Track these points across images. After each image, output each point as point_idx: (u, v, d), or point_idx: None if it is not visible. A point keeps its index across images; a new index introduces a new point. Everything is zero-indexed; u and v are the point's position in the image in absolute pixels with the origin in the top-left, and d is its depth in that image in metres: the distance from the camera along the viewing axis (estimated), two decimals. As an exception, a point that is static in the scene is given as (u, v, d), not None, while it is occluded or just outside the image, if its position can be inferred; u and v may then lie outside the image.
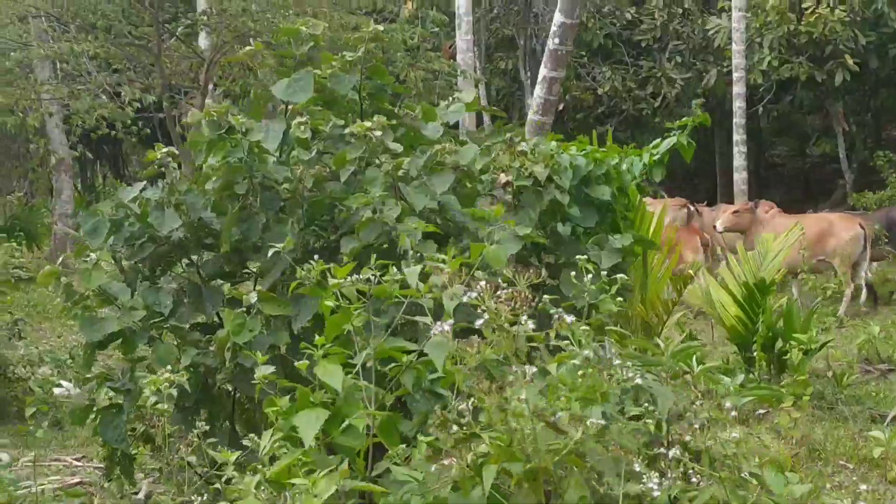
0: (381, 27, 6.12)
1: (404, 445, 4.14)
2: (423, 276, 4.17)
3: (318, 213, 5.59)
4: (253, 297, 5.18)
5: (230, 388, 5.76)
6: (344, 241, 5.30)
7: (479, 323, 3.84)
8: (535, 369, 3.69)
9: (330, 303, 4.22)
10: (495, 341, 3.80)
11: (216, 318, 6.02)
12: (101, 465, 6.61)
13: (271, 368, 4.44)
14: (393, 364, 4.31)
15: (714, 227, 15.16)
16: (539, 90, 12.71)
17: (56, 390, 10.73)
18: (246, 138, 5.54)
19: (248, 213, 5.68)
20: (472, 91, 6.13)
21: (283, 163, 5.77)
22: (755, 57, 22.76)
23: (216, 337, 5.43)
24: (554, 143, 5.80)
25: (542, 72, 12.64)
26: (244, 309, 5.27)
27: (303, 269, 4.57)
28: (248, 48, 6.20)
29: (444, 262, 4.21)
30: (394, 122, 5.97)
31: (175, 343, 5.83)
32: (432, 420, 3.75)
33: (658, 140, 6.66)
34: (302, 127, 5.73)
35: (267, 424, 4.25)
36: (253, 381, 4.52)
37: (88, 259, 5.66)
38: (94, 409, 6.16)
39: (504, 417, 3.57)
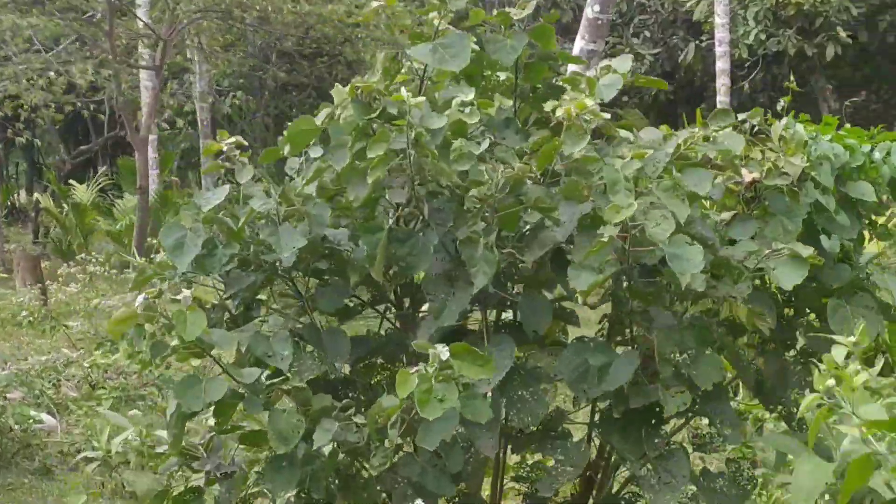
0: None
1: None
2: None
3: (509, 229, 4.00)
4: (444, 352, 3.58)
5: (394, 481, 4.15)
6: (574, 273, 3.73)
7: None
8: None
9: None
10: None
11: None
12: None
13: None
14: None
15: None
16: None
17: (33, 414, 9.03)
18: (409, 126, 3.92)
19: (406, 230, 4.08)
20: (626, 58, 4.36)
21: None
22: (740, 30, 21.51)
23: (378, 409, 3.83)
24: (802, 127, 4.28)
25: (579, 44, 11.07)
26: (420, 370, 3.67)
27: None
28: (375, 3, 4.53)
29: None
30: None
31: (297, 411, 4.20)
32: None
33: None
34: (468, 108, 4.12)
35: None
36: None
37: (183, 296, 4.01)
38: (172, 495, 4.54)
39: None
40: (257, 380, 4.11)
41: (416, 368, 3.68)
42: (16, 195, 31.22)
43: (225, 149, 4.52)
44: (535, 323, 4.01)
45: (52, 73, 16.10)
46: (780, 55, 21.94)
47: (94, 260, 11.76)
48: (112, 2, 15.55)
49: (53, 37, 16.41)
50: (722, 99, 20.68)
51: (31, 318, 11.01)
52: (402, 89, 3.99)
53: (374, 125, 4.13)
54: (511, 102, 4.41)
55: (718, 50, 20.62)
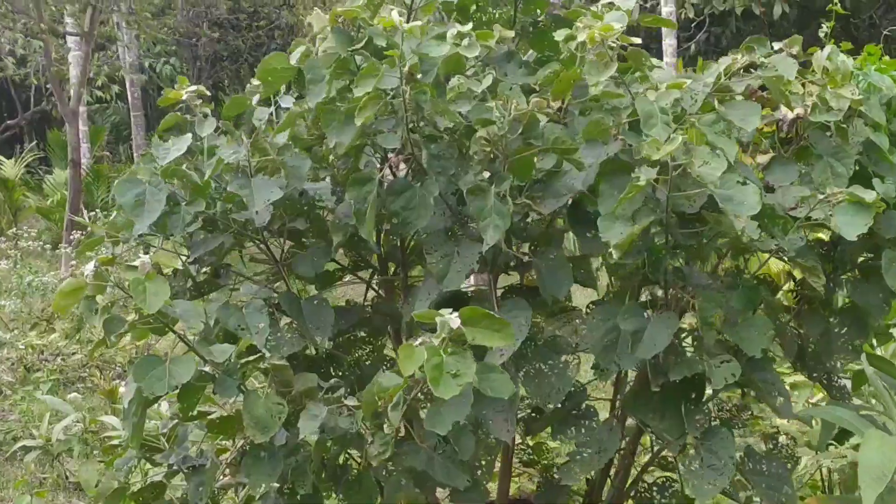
0: None
1: None
2: None
3: (523, 176, 3.43)
4: (453, 319, 3.01)
5: (386, 470, 3.57)
6: (606, 224, 3.17)
7: None
8: None
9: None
10: None
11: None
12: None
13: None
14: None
15: None
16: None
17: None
18: (402, 57, 3.33)
19: (401, 181, 3.49)
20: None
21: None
22: (686, -10, 21.04)
23: (377, 389, 3.25)
24: (845, 58, 3.75)
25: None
26: (427, 340, 3.09)
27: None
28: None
29: None
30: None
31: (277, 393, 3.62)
32: None
33: None
34: (466, 40, 3.53)
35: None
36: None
37: (141, 262, 3.40)
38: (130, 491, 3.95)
39: None
40: (229, 358, 3.51)
41: (419, 340, 3.11)
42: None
43: (185, 97, 3.93)
44: (554, 286, 3.45)
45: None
46: (725, 15, 21.52)
47: (25, 236, 11.00)
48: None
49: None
50: (668, 60, 20.19)
51: (-42, 298, 10.26)
52: (394, 13, 3.39)
53: (359, 59, 3.54)
54: (512, 34, 3.83)
55: (664, 10, 20.14)
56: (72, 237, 12.75)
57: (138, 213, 3.61)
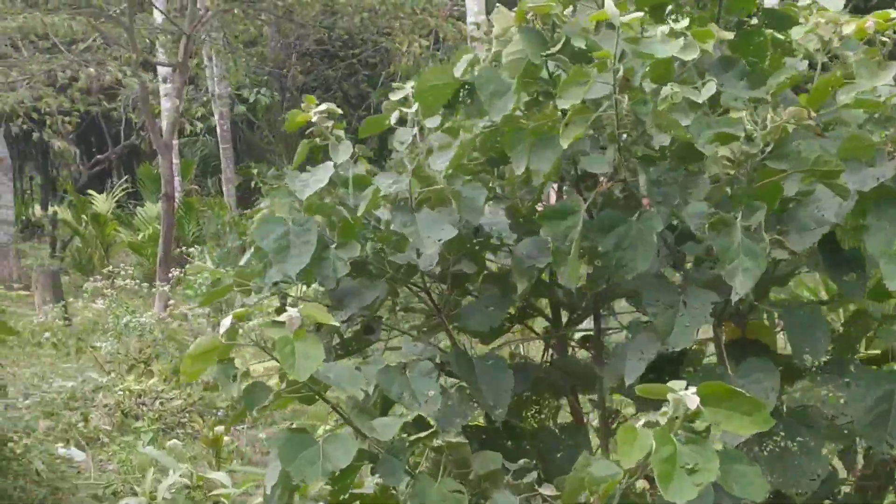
0: None
1: None
2: None
3: (771, 204, 2.71)
4: (690, 397, 2.30)
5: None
6: (890, 268, 2.44)
7: None
8: None
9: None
10: None
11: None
12: None
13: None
14: None
15: None
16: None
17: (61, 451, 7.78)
18: (616, 58, 2.64)
19: (613, 214, 2.80)
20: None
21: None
22: None
23: (585, 477, 2.55)
24: None
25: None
26: (655, 421, 2.39)
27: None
28: None
29: None
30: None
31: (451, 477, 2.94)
32: None
33: None
34: (681, 40, 2.83)
35: None
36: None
37: (289, 317, 2.75)
38: None
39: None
40: (398, 434, 2.85)
41: (642, 421, 2.42)
42: (31, 210, 30.00)
43: (314, 118, 3.31)
44: (810, 346, 2.72)
45: (66, 73, 14.83)
46: None
47: (122, 273, 10.51)
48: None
49: (70, 36, 15.07)
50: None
51: (54, 341, 9.74)
52: (608, 2, 2.71)
53: (551, 66, 2.87)
54: (731, 35, 3.12)
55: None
56: (170, 275, 12.27)
57: (283, 259, 2.98)
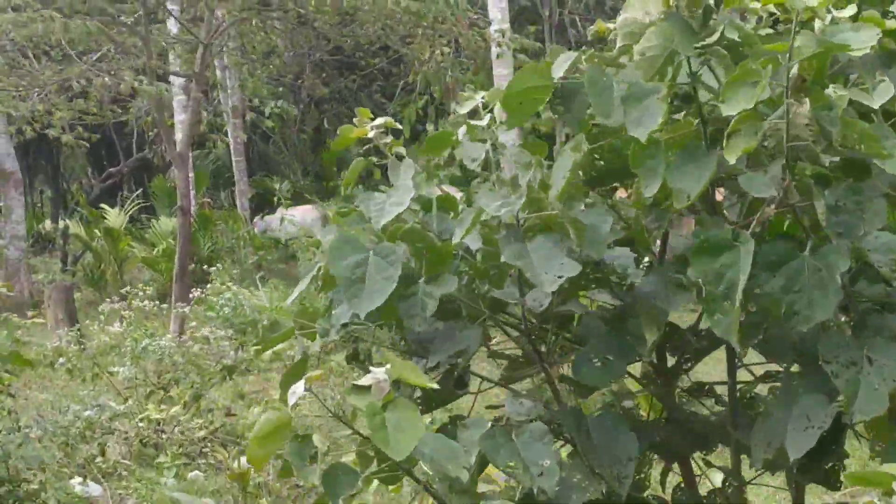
0: None
1: None
2: None
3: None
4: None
5: None
6: None
7: None
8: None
9: None
10: None
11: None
12: None
13: None
14: None
15: None
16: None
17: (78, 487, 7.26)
18: (794, 52, 2.11)
19: (781, 249, 2.25)
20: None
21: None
22: None
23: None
24: None
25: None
26: None
27: None
28: None
29: None
30: None
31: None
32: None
33: None
34: (848, 30, 2.30)
35: None
36: None
37: (375, 380, 2.21)
38: None
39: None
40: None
41: None
42: (42, 224, 29.50)
43: (371, 133, 2.81)
44: None
45: (78, 83, 14.30)
46: None
47: (141, 293, 9.96)
48: (148, 4, 13.75)
49: (84, 43, 14.55)
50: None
51: (69, 367, 9.22)
52: (781, -16, 2.17)
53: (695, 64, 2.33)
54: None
55: None
56: (190, 295, 11.73)
57: (356, 293, 2.44)
